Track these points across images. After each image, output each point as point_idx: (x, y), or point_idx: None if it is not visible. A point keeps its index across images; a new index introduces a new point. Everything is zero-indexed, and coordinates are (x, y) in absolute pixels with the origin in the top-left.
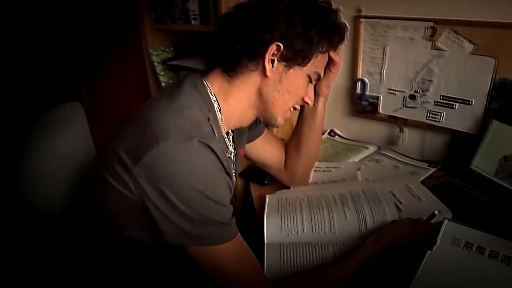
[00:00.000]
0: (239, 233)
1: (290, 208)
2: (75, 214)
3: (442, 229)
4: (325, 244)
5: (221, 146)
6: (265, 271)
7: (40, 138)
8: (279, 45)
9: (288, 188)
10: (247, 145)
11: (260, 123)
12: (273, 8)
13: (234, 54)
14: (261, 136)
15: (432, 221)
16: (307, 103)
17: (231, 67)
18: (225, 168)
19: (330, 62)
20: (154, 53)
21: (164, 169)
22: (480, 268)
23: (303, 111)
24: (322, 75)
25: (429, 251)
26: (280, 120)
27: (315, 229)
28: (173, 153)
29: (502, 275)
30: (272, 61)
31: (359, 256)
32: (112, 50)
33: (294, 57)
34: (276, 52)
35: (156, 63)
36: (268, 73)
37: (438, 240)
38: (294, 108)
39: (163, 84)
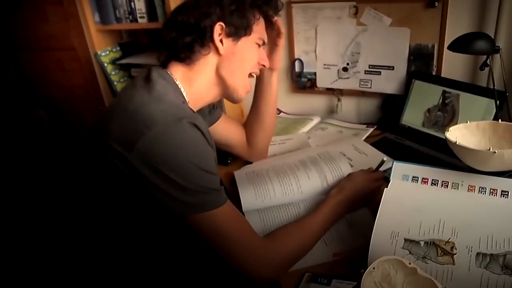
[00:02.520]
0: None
1: (259, 179)
2: (72, 212)
3: (393, 169)
4: (296, 203)
5: (204, 124)
6: None
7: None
8: (221, 24)
9: (251, 163)
10: (210, 128)
11: (217, 108)
12: None
13: (186, 46)
14: (220, 119)
15: (380, 168)
16: (263, 66)
17: (187, 57)
18: (209, 142)
19: (276, 36)
20: (103, 54)
21: (160, 151)
22: (427, 194)
23: (259, 87)
24: (266, 40)
25: (385, 188)
26: (241, 92)
27: (285, 192)
28: (166, 135)
29: (443, 197)
30: (221, 41)
31: (327, 206)
32: (56, 55)
33: (237, 31)
34: (221, 32)
35: (106, 64)
36: (221, 51)
37: (391, 179)
38: (254, 75)
39: (115, 83)
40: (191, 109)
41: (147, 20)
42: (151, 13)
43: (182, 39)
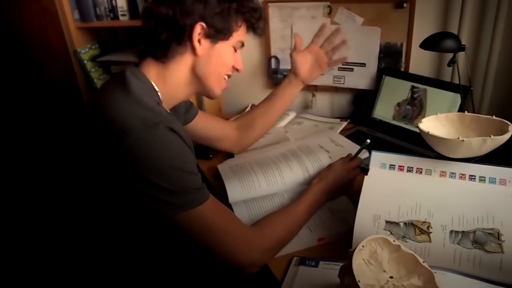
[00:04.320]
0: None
1: (243, 171)
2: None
3: (371, 158)
4: (280, 194)
5: (180, 126)
6: None
7: None
8: (202, 25)
9: (232, 156)
10: (188, 126)
11: (192, 106)
12: None
13: (162, 43)
14: (198, 116)
15: (361, 149)
16: (237, 70)
17: (162, 55)
18: (186, 143)
19: (321, 60)
20: (82, 51)
21: (141, 156)
22: (403, 180)
23: (283, 90)
24: (244, 43)
25: (365, 176)
26: (217, 91)
27: (269, 183)
28: (145, 141)
29: (418, 183)
30: (199, 41)
31: (309, 194)
32: (33, 53)
33: (217, 34)
34: (200, 32)
35: (85, 61)
36: (198, 51)
37: (370, 167)
38: (228, 76)
39: (95, 80)
40: (166, 111)
41: (129, 18)
42: (133, 11)
43: (159, 35)
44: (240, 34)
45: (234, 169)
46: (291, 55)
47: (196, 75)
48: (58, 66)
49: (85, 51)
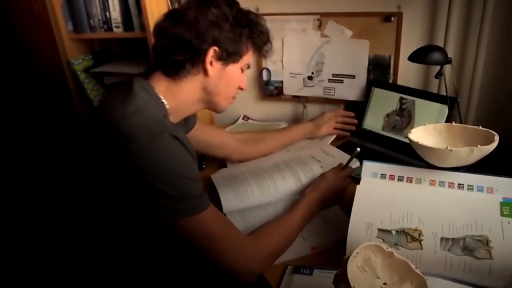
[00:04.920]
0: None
1: (236, 181)
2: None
3: (363, 168)
4: (274, 203)
5: (184, 135)
6: None
7: None
8: (215, 49)
9: (225, 167)
10: (187, 135)
11: (192, 116)
12: (203, 18)
13: (177, 63)
14: (196, 125)
15: (352, 158)
16: (241, 89)
17: (174, 73)
18: (189, 152)
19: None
20: (76, 62)
21: (144, 162)
22: (394, 189)
23: (296, 130)
24: (250, 65)
25: (358, 185)
26: (225, 106)
27: (263, 193)
28: (149, 147)
29: (409, 191)
30: (211, 63)
31: (303, 204)
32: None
33: (228, 57)
34: (213, 55)
35: (79, 72)
36: (210, 73)
37: (362, 176)
38: (234, 98)
39: (88, 91)
40: (171, 122)
41: (123, 30)
42: (127, 23)
43: (174, 55)
44: (248, 56)
45: (227, 179)
46: (324, 113)
47: (205, 93)
48: (51, 77)
49: (79, 62)
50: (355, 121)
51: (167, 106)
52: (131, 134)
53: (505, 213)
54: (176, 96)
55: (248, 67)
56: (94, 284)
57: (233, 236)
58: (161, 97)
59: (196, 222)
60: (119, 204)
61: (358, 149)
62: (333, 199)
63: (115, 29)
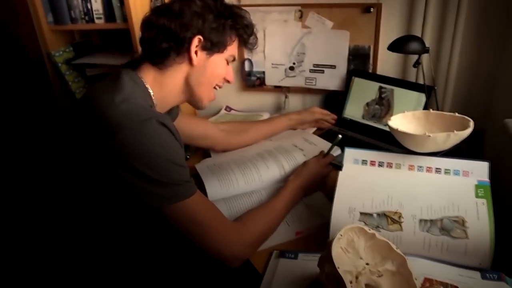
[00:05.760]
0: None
1: (221, 170)
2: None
3: (345, 155)
4: (258, 191)
5: (171, 122)
6: None
7: None
8: (199, 38)
9: (209, 156)
10: None
11: (175, 107)
12: (188, 9)
13: (162, 52)
14: (180, 116)
15: (333, 145)
16: (228, 82)
17: (160, 62)
18: (177, 139)
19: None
20: (56, 54)
21: (133, 148)
22: (375, 174)
23: (280, 121)
24: (236, 57)
25: (340, 172)
26: (205, 102)
27: (247, 181)
28: (137, 134)
29: (389, 176)
30: (196, 52)
31: (287, 191)
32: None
33: (212, 47)
34: (198, 44)
35: (60, 64)
36: (194, 62)
37: (344, 163)
38: (219, 87)
39: (70, 83)
40: (158, 111)
41: (104, 21)
42: (109, 14)
43: (160, 44)
44: (233, 48)
45: (212, 168)
46: (315, 111)
47: (189, 83)
48: (31, 69)
49: (59, 54)
50: (334, 121)
51: (154, 97)
52: (119, 121)
53: (479, 194)
54: (162, 86)
55: (234, 59)
56: (83, 272)
57: (219, 222)
58: (148, 87)
59: (184, 208)
60: (106, 193)
61: (340, 136)
62: (316, 186)
63: (96, 20)
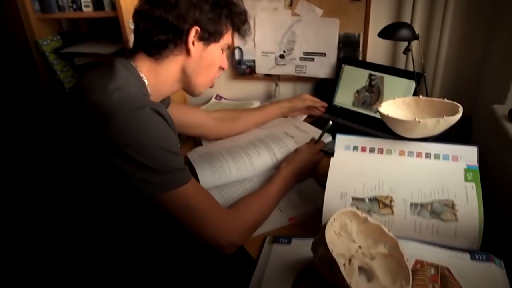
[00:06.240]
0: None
1: (213, 158)
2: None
3: (336, 141)
4: (250, 178)
5: (165, 110)
6: None
7: None
8: (197, 29)
9: (201, 145)
10: None
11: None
12: (183, 0)
13: (160, 44)
14: (171, 105)
15: (324, 132)
16: (223, 69)
17: (157, 53)
18: (171, 126)
19: (316, 108)
20: (44, 43)
21: (127, 136)
22: (366, 160)
23: (271, 109)
24: (230, 45)
25: (332, 158)
26: (201, 89)
27: (239, 169)
28: (131, 122)
29: (380, 162)
30: (193, 43)
31: (279, 177)
32: None
33: (209, 37)
34: (195, 35)
35: (48, 53)
36: (191, 53)
37: (336, 149)
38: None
39: (58, 72)
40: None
41: (92, 9)
42: (97, 2)
43: (157, 36)
44: (228, 36)
45: (204, 156)
46: (305, 98)
47: (186, 73)
48: (18, 59)
49: (47, 43)
50: (324, 109)
51: (148, 86)
52: (113, 110)
53: (468, 178)
54: (157, 75)
55: (228, 47)
56: (77, 260)
57: (214, 210)
58: (143, 76)
59: (178, 196)
60: (101, 183)
61: (331, 122)
62: (307, 172)
63: (84, 9)
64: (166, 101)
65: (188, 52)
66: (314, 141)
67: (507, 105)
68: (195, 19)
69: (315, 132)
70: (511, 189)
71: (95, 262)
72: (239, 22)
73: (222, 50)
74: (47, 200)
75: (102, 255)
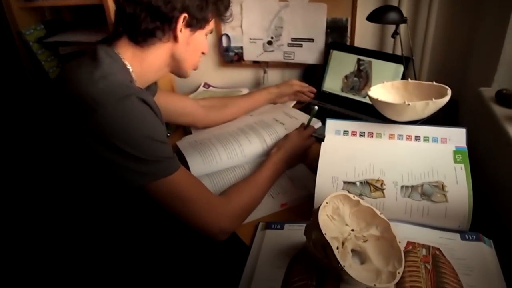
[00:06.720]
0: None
1: (203, 146)
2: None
3: (326, 126)
4: (241, 166)
5: (151, 98)
6: None
7: None
8: (185, 15)
9: (190, 133)
10: None
11: (152, 84)
12: None
13: (147, 31)
14: (159, 92)
15: (312, 117)
16: (203, 54)
17: (143, 40)
18: (157, 115)
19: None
20: (27, 32)
21: (113, 126)
22: (357, 144)
23: (259, 95)
24: (213, 30)
25: (322, 142)
26: (190, 71)
27: (230, 156)
28: (117, 111)
29: (370, 145)
30: (180, 30)
31: (269, 163)
32: None
33: (197, 24)
34: (183, 21)
35: (31, 43)
36: (179, 39)
37: (326, 134)
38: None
39: (43, 62)
40: (138, 87)
41: None
42: None
43: (145, 23)
44: (212, 22)
45: (193, 145)
46: (292, 84)
47: (173, 59)
48: (1, 49)
49: (30, 32)
50: (313, 94)
51: (133, 73)
52: (98, 99)
53: (457, 160)
54: (142, 62)
55: (211, 32)
56: (68, 255)
57: (204, 197)
58: (127, 63)
59: (167, 184)
60: (88, 174)
61: (316, 107)
62: (298, 158)
63: None
64: (153, 89)
65: (175, 39)
66: (304, 127)
67: (493, 88)
68: (184, 6)
69: (305, 118)
70: (499, 170)
71: (87, 253)
72: (223, 8)
73: (206, 35)
74: (34, 193)
75: (94, 246)
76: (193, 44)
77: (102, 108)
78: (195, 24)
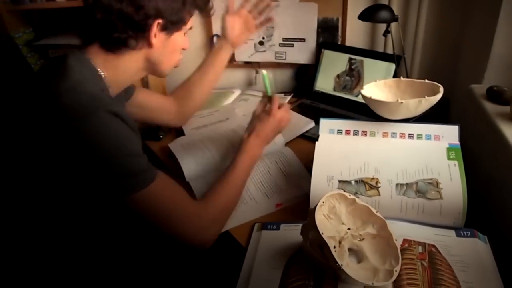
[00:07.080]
0: (159, 171)
1: (195, 148)
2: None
3: (320, 125)
4: None
5: (122, 108)
6: None
7: None
8: (159, 22)
9: (183, 135)
10: (128, 104)
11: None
12: None
13: (120, 40)
14: (136, 92)
15: (266, 85)
16: (184, 49)
17: (116, 48)
18: (129, 125)
19: (250, 24)
20: (16, 36)
21: (83, 144)
22: (351, 143)
23: (213, 57)
24: (192, 27)
25: (317, 142)
26: (168, 71)
27: (224, 157)
28: (86, 127)
29: (365, 144)
30: (155, 35)
31: (242, 153)
32: None
33: (172, 27)
34: (157, 27)
35: (21, 46)
36: (154, 45)
37: (320, 133)
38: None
39: (33, 66)
40: (109, 96)
41: None
42: None
43: (116, 32)
44: (191, 21)
45: (186, 146)
46: (223, 17)
47: (149, 62)
48: None
49: (19, 35)
50: (269, 2)
51: (106, 79)
52: (65, 116)
53: (451, 157)
54: (116, 68)
55: (191, 28)
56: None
57: (181, 205)
58: (99, 70)
59: (147, 195)
60: (68, 184)
61: (264, 71)
62: (273, 133)
63: None
64: (130, 89)
65: (150, 45)
66: (266, 101)
67: (484, 85)
68: (158, 11)
69: (299, 118)
70: (492, 166)
71: (87, 253)
72: (203, 4)
73: (185, 34)
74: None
75: (93, 246)
76: (170, 46)
77: (70, 126)
78: (170, 27)
